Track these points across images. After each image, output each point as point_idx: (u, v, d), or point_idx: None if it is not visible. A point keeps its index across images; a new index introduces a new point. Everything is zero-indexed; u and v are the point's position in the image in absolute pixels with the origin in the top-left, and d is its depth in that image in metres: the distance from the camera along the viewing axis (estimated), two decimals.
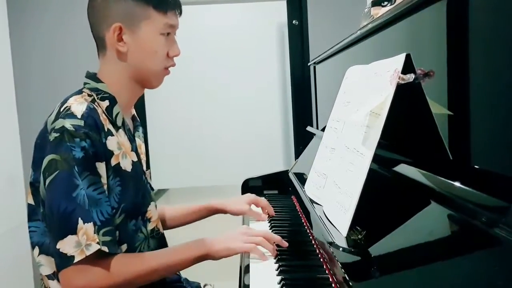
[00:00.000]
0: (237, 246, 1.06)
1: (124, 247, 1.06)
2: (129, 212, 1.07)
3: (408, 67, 0.84)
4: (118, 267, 0.97)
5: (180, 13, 1.14)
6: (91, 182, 0.97)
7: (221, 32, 3.98)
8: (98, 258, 0.96)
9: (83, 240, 0.93)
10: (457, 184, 0.65)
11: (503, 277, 0.52)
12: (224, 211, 1.42)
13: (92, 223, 0.95)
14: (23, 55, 2.57)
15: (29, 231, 1.06)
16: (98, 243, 0.94)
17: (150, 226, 1.16)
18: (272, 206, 1.52)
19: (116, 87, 1.10)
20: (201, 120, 4.33)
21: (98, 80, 1.09)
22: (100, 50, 1.12)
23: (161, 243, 1.20)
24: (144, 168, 1.19)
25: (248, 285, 0.95)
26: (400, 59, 0.85)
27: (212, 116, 4.32)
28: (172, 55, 1.12)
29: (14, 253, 2.37)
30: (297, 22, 2.66)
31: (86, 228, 0.94)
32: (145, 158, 1.22)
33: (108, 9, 1.07)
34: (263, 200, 1.48)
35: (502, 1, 0.63)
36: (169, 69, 1.15)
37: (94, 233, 0.95)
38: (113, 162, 1.04)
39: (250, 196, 1.47)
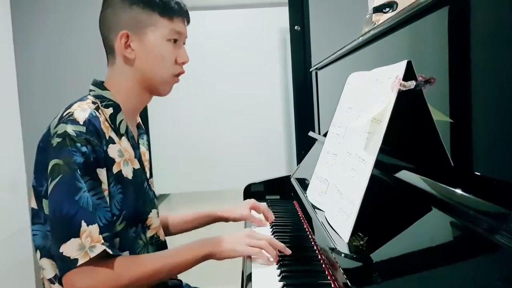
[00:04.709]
0: (243, 249, 1.05)
1: (125, 254, 1.07)
2: (130, 219, 1.08)
3: (409, 74, 0.84)
4: (121, 268, 0.97)
5: (188, 22, 1.16)
6: (91, 187, 0.98)
7: (224, 38, 3.99)
8: (101, 261, 0.96)
9: (86, 242, 0.94)
10: (458, 190, 0.65)
11: (504, 284, 0.52)
12: (226, 219, 1.43)
13: (96, 224, 0.95)
14: (26, 59, 2.58)
15: (32, 235, 1.06)
16: (103, 244, 0.95)
17: (150, 233, 1.16)
18: (274, 211, 1.53)
19: (123, 94, 1.11)
20: (203, 125, 4.34)
21: (103, 88, 1.10)
22: (109, 60, 1.13)
23: (161, 250, 1.20)
24: (148, 175, 1.20)
25: None
26: (401, 66, 0.85)
27: (214, 121, 4.33)
28: (180, 61, 1.13)
29: (17, 258, 2.37)
30: (299, 28, 2.67)
31: (90, 230, 0.94)
32: (149, 166, 1.22)
33: (115, 18, 1.09)
34: (262, 205, 1.49)
35: (504, 8, 0.63)
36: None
37: (99, 234, 0.95)
38: (115, 169, 1.04)
39: (250, 201, 1.48)
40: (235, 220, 1.43)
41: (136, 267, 1.00)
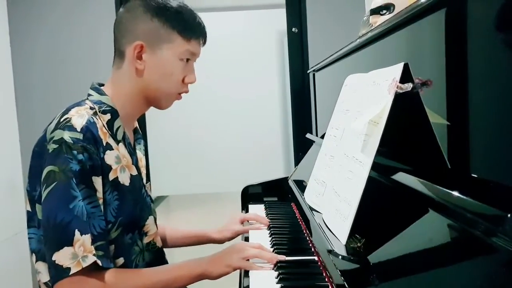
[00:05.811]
0: (237, 263, 1.05)
1: (120, 260, 1.06)
2: (126, 225, 1.07)
3: (406, 76, 0.85)
4: (114, 281, 0.97)
5: (204, 43, 1.15)
6: (86, 195, 0.97)
7: (221, 40, 3.99)
8: (94, 271, 0.96)
9: (79, 251, 0.93)
10: (455, 193, 0.65)
11: (501, 287, 0.52)
12: (219, 242, 1.41)
13: (90, 234, 0.95)
14: (23, 62, 2.58)
15: (28, 238, 1.06)
16: (94, 254, 0.94)
17: (147, 240, 1.16)
18: (272, 213, 1.53)
19: (122, 100, 1.10)
20: (201, 127, 4.34)
21: (102, 93, 1.09)
22: (116, 61, 1.12)
23: (158, 257, 1.20)
24: (144, 181, 1.19)
25: None
26: (398, 68, 0.86)
27: (212, 123, 4.33)
28: (187, 81, 1.13)
29: (14, 261, 2.37)
30: (296, 30, 2.67)
31: (83, 240, 0.94)
32: (145, 171, 1.22)
33: (133, 25, 1.08)
34: (250, 214, 1.49)
35: (501, 10, 0.63)
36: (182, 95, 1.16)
37: (91, 244, 0.94)
38: (111, 176, 1.04)
39: (237, 217, 1.47)
40: (230, 239, 1.41)
41: (130, 281, 1.00)
